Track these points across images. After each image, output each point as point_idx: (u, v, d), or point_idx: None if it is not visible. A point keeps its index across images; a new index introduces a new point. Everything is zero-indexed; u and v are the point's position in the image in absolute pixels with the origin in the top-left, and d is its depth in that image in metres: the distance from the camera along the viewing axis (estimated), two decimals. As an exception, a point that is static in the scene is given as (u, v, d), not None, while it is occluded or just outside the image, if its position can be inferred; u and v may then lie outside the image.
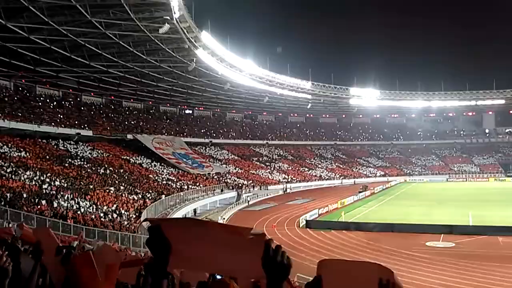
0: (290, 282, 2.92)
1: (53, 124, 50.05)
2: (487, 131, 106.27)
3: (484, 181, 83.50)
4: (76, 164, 43.59)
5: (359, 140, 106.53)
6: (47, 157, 41.62)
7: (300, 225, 36.49)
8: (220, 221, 35.42)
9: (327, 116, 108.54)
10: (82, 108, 61.88)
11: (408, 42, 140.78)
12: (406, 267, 22.40)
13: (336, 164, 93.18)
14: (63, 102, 59.39)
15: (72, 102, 61.45)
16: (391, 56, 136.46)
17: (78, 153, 48.11)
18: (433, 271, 21.93)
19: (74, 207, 29.08)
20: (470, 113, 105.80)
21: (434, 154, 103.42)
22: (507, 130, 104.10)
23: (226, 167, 70.36)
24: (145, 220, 1.52)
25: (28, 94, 55.10)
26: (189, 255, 1.44)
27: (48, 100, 57.08)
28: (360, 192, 59.26)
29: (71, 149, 48.70)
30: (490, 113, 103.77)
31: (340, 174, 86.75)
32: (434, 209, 43.81)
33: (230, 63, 60.57)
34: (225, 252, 1.34)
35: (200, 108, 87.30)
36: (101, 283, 1.67)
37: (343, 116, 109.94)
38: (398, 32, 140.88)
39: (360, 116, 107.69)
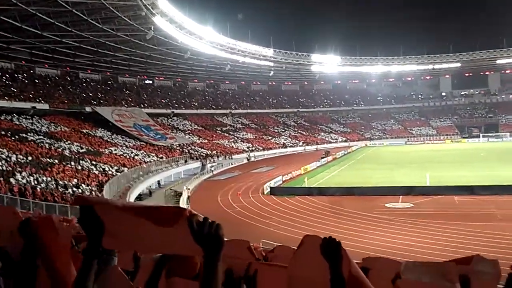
0: (251, 250, 2.93)
1: (6, 98, 47.98)
2: (443, 94, 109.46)
3: (441, 143, 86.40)
4: (34, 139, 42.19)
5: (321, 106, 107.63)
6: (2, 132, 40.03)
7: (265, 192, 36.91)
8: (185, 191, 35.40)
9: (290, 83, 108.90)
10: (37, 80, 59.54)
11: (367, 7, 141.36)
12: (368, 229, 23.14)
13: (299, 131, 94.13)
14: (16, 75, 56.88)
15: (25, 75, 58.93)
16: (351, 22, 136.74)
17: (35, 128, 46.51)
18: (393, 231, 22.74)
19: (33, 183, 28.28)
20: (428, 77, 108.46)
21: (393, 118, 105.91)
22: (462, 93, 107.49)
23: (189, 137, 69.86)
24: (77, 198, 1.44)
25: (-23, 68, 52.51)
26: (123, 236, 1.41)
27: (0, 73, 54.52)
28: (322, 158, 60.21)
29: (27, 123, 47.00)
30: (447, 76, 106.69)
31: (303, 141, 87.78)
32: (393, 172, 45.14)
33: (190, 31, 59.28)
34: (157, 231, 1.31)
35: (161, 78, 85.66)
36: (62, 248, 1.66)
37: (305, 83, 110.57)
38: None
39: (322, 82, 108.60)
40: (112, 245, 1.45)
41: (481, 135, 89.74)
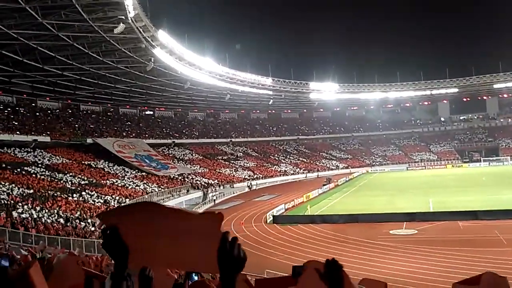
0: (249, 283, 2.93)
1: (8, 131, 48.25)
2: (442, 119, 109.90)
3: (442, 168, 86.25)
4: (35, 171, 42.20)
5: (321, 133, 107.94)
6: (3, 165, 40.09)
7: (268, 221, 36.65)
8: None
9: (289, 111, 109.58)
10: (38, 113, 59.96)
11: (363, 35, 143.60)
12: (372, 256, 22.90)
13: (300, 158, 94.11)
14: (17, 108, 57.35)
15: (27, 108, 59.41)
16: (348, 50, 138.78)
17: (36, 161, 46.58)
18: (398, 258, 22.49)
19: (35, 216, 28.16)
20: (426, 103, 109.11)
21: (394, 144, 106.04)
22: (461, 118, 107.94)
23: (190, 167, 69.81)
24: (99, 215, 1.47)
25: (-21, 102, 53.00)
26: (148, 252, 1.43)
27: (1, 107, 54.99)
28: (324, 185, 60.05)
29: (28, 156, 47.09)
30: (445, 101, 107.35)
31: (304, 168, 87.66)
32: (396, 198, 44.94)
33: (189, 62, 60.05)
34: (182, 245, 1.34)
35: (161, 109, 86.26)
36: None
37: (304, 110, 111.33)
38: (354, 26, 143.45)
39: (321, 110, 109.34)
40: (138, 262, 1.47)
41: (482, 159, 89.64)
